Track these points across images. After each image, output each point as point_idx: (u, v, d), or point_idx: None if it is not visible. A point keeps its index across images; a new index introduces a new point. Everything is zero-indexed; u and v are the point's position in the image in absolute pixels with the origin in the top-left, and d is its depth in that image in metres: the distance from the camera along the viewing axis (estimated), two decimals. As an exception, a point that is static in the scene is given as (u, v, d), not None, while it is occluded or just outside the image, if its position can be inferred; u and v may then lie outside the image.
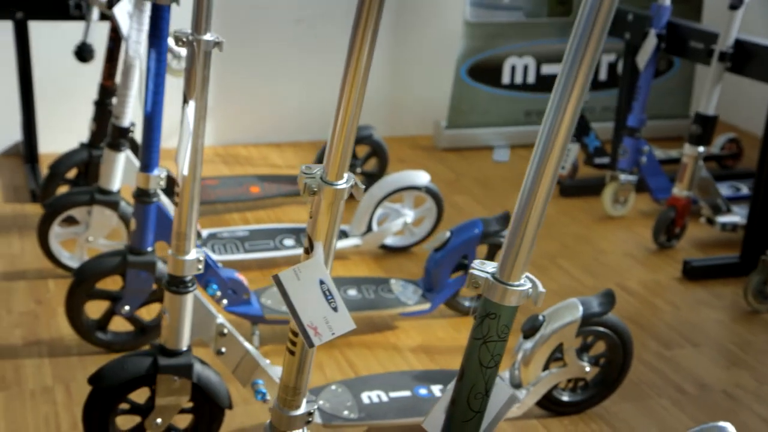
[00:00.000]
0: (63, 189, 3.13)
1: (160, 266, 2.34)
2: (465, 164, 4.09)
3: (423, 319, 2.69)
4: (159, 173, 2.26)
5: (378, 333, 2.62)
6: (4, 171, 3.66)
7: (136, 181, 2.28)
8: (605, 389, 2.28)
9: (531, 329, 2.12)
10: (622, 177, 3.48)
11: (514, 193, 3.67)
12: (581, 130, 3.84)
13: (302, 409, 1.47)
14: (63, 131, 3.81)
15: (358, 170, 3.57)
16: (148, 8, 2.52)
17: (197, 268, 1.83)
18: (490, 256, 2.67)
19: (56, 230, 2.76)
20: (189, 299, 1.83)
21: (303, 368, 1.42)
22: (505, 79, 4.33)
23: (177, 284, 1.82)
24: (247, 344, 1.96)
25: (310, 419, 1.48)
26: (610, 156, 3.82)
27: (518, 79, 4.36)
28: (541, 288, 1.07)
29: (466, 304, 2.71)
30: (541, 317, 2.13)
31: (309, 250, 1.31)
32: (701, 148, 3.14)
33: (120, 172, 2.70)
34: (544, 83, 4.38)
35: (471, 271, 1.07)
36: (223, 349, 1.94)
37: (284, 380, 1.44)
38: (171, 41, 3.40)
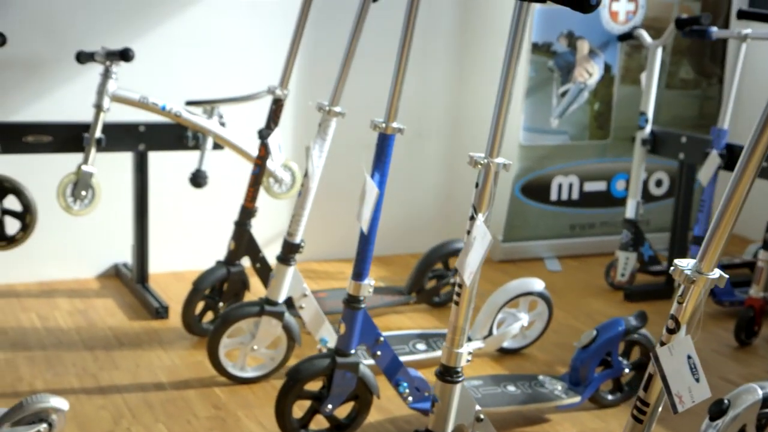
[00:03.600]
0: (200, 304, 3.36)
1: (362, 367, 2.57)
2: (525, 274, 4.38)
3: (569, 412, 2.95)
4: (369, 282, 2.53)
5: (535, 425, 2.87)
6: (112, 292, 3.84)
7: (348, 288, 2.54)
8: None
9: (718, 412, 2.40)
10: (691, 281, 3.84)
11: (583, 297, 4.07)
12: (637, 240, 4.22)
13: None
14: (161, 252, 4.04)
15: (451, 280, 3.86)
16: (329, 136, 2.81)
17: (466, 360, 2.09)
18: (627, 352, 2.97)
19: (224, 341, 2.97)
20: (458, 388, 2.09)
21: (644, 434, 1.69)
22: (553, 196, 4.71)
23: (450, 374, 2.08)
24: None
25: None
26: (669, 263, 4.20)
27: (564, 196, 4.74)
28: None
29: (609, 397, 2.99)
30: (726, 401, 2.41)
31: (675, 330, 1.60)
32: (774, 253, 3.54)
33: (288, 285, 2.94)
34: (587, 199, 4.78)
35: None
36: (479, 433, 2.19)
37: (625, 444, 1.71)
38: (274, 165, 3.70)
